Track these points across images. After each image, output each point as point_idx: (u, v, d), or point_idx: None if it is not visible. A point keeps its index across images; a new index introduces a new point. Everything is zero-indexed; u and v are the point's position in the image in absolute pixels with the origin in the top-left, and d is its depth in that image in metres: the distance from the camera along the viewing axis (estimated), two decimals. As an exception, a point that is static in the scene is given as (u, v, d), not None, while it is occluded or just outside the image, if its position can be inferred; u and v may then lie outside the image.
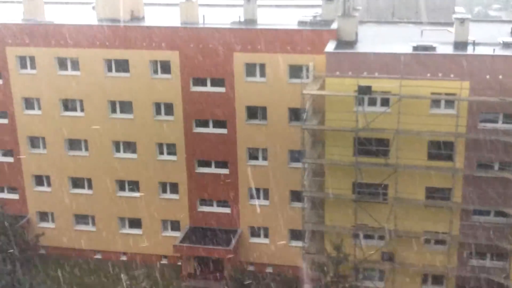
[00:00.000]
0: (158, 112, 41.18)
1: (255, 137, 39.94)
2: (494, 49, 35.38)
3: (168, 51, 39.29)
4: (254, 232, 42.70)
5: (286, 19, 41.11)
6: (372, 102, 35.74)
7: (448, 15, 43.05)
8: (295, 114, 38.32)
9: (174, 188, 42.76)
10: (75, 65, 41.22)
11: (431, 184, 36.46)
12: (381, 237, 38.18)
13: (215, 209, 42.74)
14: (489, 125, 34.73)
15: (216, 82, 39.64)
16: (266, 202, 41.56)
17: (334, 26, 38.11)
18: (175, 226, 43.66)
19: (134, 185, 43.16)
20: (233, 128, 40.08)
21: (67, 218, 44.74)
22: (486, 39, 37.34)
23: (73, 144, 43.26)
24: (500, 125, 34.66)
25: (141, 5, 43.72)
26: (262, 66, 38.41)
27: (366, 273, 38.88)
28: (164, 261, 44.37)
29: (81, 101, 41.90)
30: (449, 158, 35.62)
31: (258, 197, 41.78)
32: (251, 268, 42.81)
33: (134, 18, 42.63)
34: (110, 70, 40.87)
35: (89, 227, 44.90)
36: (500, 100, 33.35)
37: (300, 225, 38.62)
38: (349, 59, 35.19)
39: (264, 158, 40.52)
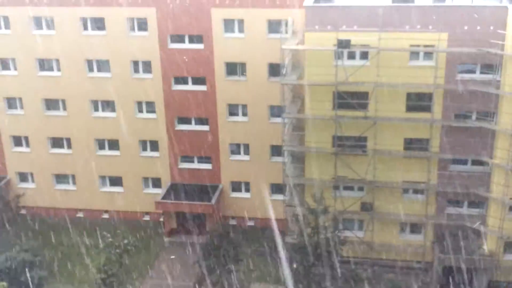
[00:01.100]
0: (136, 70, 40.82)
1: (234, 93, 39.92)
2: (472, 0, 35.57)
3: (144, 8, 38.69)
4: (235, 187, 43.13)
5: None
6: (351, 56, 35.83)
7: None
8: (274, 70, 38.28)
9: (155, 145, 42.76)
10: (50, 24, 40.40)
11: (410, 135, 37.01)
12: (361, 188, 38.88)
13: (196, 165, 42.97)
14: (467, 76, 35.16)
15: (194, 39, 39.28)
16: (246, 158, 41.88)
17: (313, -21, 37.80)
18: (157, 183, 43.87)
19: (113, 143, 43.07)
20: (212, 85, 39.98)
21: (47, 178, 44.60)
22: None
23: (51, 104, 42.79)
24: (477, 76, 35.06)
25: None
26: (241, 22, 38.12)
27: (346, 223, 39.69)
28: (146, 218, 44.71)
29: (57, 60, 41.25)
30: (427, 109, 36.06)
31: (239, 153, 42.06)
32: (233, 222, 43.41)
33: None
34: (86, 28, 40.18)
35: (70, 186, 44.88)
36: (478, 51, 33.69)
37: (281, 179, 39.08)
38: (328, 13, 35.04)
39: (244, 114, 40.62)
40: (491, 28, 33.38)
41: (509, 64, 33.66)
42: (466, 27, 33.73)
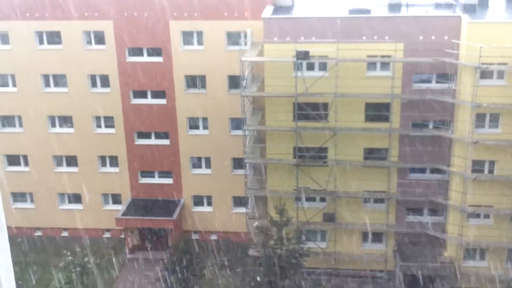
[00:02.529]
0: (93, 84, 40.28)
1: (195, 106, 39.71)
2: (427, 10, 36.31)
3: (101, 21, 38.30)
4: (197, 201, 42.80)
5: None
6: (311, 67, 36.09)
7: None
8: (234, 82, 38.29)
9: (114, 161, 42.16)
10: (5, 38, 39.65)
11: (369, 145, 37.40)
12: (323, 199, 39.03)
13: (157, 180, 42.49)
14: (424, 85, 35.79)
15: (153, 52, 39.02)
16: (208, 171, 41.62)
17: (271, -9, 38.10)
18: (117, 199, 43.20)
19: (72, 160, 42.33)
20: (172, 98, 39.70)
21: (4, 196, 43.43)
22: (419, 0, 38.16)
23: (7, 120, 41.86)
24: (433, 85, 35.74)
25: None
26: (200, 34, 38.05)
27: (309, 234, 39.73)
28: (107, 235, 43.94)
29: (12, 75, 40.44)
30: (386, 119, 36.53)
31: (200, 166, 41.79)
32: (195, 236, 43.00)
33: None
34: (41, 42, 39.55)
35: (27, 205, 43.82)
36: (433, 60, 34.36)
37: (243, 191, 38.94)
38: (286, 25, 35.30)
39: (205, 127, 40.41)
40: (446, 37, 34.11)
41: (464, 73, 34.41)
42: (421, 37, 34.39)
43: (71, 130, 41.42)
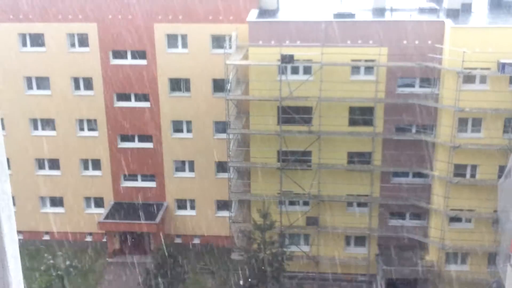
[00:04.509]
0: (77, 87, 39.98)
1: (179, 109, 39.58)
2: (410, 15, 36.62)
3: (85, 24, 38.07)
4: (181, 205, 42.62)
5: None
6: (295, 71, 36.21)
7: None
8: (219, 85, 38.23)
9: (97, 164, 41.85)
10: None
11: (353, 149, 37.56)
12: (306, 203, 39.06)
13: (139, 183, 42.23)
14: (407, 90, 36.05)
15: (137, 55, 38.86)
16: (191, 174, 41.47)
17: (256, -6, 38.14)
18: (99, 202, 42.87)
19: (54, 163, 41.95)
20: (156, 101, 39.52)
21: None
22: (403, 5, 38.47)
23: (-13, 123, 41.37)
24: (417, 89, 36.01)
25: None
26: (184, 37, 37.96)
27: (292, 238, 39.75)
28: (88, 239, 43.56)
29: (-6, 77, 40.10)
30: (369, 123, 36.72)
31: (184, 170, 41.63)
32: (178, 240, 42.81)
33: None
34: (24, 44, 39.19)
35: (8, 209, 43.23)
36: (417, 65, 34.62)
37: (227, 195, 38.86)
38: (271, 28, 35.40)
39: (189, 131, 40.27)
40: (429, 42, 34.40)
41: (447, 78, 34.70)
42: (405, 42, 34.64)
43: (53, 133, 41.06)
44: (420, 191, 37.82)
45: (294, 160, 37.66)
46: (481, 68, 33.85)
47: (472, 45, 33.20)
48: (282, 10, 38.65)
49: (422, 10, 37.30)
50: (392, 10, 37.46)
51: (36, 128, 41.26)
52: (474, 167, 36.55)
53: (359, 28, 35.05)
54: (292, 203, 39.24)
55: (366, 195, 38.02)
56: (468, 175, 36.76)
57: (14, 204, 42.20)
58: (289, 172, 37.63)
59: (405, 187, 37.88)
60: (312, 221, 38.65)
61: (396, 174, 38.14)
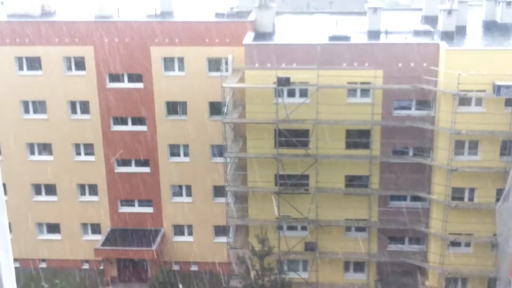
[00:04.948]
0: (73, 111, 40.03)
1: (176, 133, 39.48)
2: (405, 37, 36.77)
3: (82, 47, 38.28)
4: (178, 231, 42.19)
5: (203, 11, 41.04)
6: (291, 94, 36.23)
7: (361, 5, 44.38)
8: (215, 108, 38.22)
9: (93, 189, 41.63)
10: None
11: (350, 172, 37.34)
12: (304, 228, 38.68)
13: (136, 209, 41.90)
14: (403, 112, 35.97)
15: (133, 78, 38.96)
16: (189, 199, 41.17)
17: (252, 17, 38.39)
18: (96, 229, 42.48)
19: (50, 188, 41.78)
20: (153, 125, 39.48)
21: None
22: (398, 27, 38.70)
23: (-16, 147, 41.40)
24: (413, 112, 35.95)
25: (52, -1, 42.55)
26: (181, 60, 38.08)
27: (291, 264, 39.24)
28: (85, 266, 43.08)
29: (-9, 101, 40.21)
30: (366, 146, 36.56)
31: (181, 195, 41.37)
32: (176, 267, 42.30)
33: (45, 13, 41.31)
34: (21, 68, 39.42)
35: (4, 235, 42.92)
36: (412, 87, 34.62)
37: (225, 220, 38.49)
38: (268, 51, 35.53)
39: (186, 154, 40.12)
40: (425, 64, 34.46)
41: (442, 100, 34.65)
42: (400, 64, 34.71)
43: (50, 157, 40.97)
44: (418, 215, 37.46)
45: (292, 184, 37.41)
46: (477, 90, 33.86)
47: (467, 67, 33.25)
48: (278, 33, 38.87)
49: (416, 33, 37.46)
50: (387, 32, 37.64)
51: (32, 152, 41.18)
52: (472, 190, 36.27)
53: (354, 50, 35.18)
54: (290, 228, 38.90)
55: (365, 219, 37.64)
56: (466, 198, 36.46)
57: (10, 230, 42.00)
58: (287, 196, 37.36)
59: (404, 211, 37.55)
60: (310, 247, 38.20)
61: (394, 198, 37.83)
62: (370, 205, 37.37)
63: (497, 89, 33.05)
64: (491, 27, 39.14)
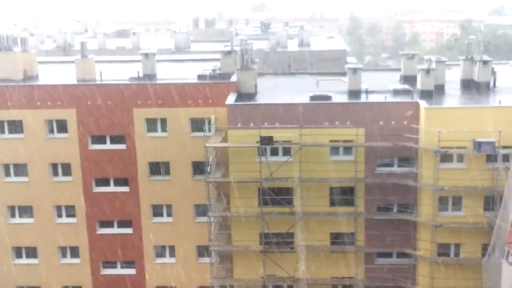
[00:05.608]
0: (55, 173, 39.65)
1: (158, 193, 39.22)
2: (385, 96, 37.33)
3: (64, 110, 38.23)
4: (162, 294, 41.45)
5: (186, 73, 41.40)
6: (274, 152, 36.36)
7: (341, 65, 45.14)
8: (199, 168, 38.15)
9: (75, 252, 40.92)
10: (-35, 127, 39.28)
11: (335, 229, 37.22)
12: (290, 287, 38.22)
13: (119, 271, 41.18)
14: (386, 169, 36.22)
15: (116, 139, 38.86)
16: (172, 260, 40.59)
17: (234, 78, 38.82)
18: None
19: (31, 251, 40.98)
20: (135, 185, 39.18)
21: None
22: (377, 87, 39.30)
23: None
24: (395, 169, 36.20)
25: (35, 64, 42.56)
26: (164, 121, 38.17)
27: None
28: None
29: (-28, 165, 39.76)
30: (350, 203, 36.60)
31: (164, 255, 40.79)
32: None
33: (27, 77, 41.41)
34: (2, 131, 39.13)
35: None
36: (394, 145, 34.96)
37: (209, 281, 37.91)
38: (250, 111, 35.81)
39: (169, 214, 39.75)
40: (405, 122, 34.92)
41: (424, 157, 34.99)
42: (381, 122, 35.12)
43: (31, 220, 40.35)
44: (405, 271, 37.32)
45: (277, 242, 37.17)
46: (458, 147, 34.25)
47: (447, 125, 33.76)
48: (260, 93, 39.25)
49: (396, 92, 38.09)
50: (367, 92, 38.22)
51: (13, 215, 40.56)
52: (457, 246, 36.37)
53: (336, 110, 35.60)
54: (276, 287, 38.35)
55: (351, 277, 37.34)
56: (452, 254, 36.48)
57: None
58: (272, 255, 37.04)
59: (390, 267, 37.37)
60: (296, 306, 37.70)
61: (380, 255, 37.69)
62: (356, 262, 37.14)
63: (478, 145, 33.52)
64: (469, 86, 39.94)
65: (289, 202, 36.65)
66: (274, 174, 35.65)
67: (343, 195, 36.59)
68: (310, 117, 35.24)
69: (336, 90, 38.92)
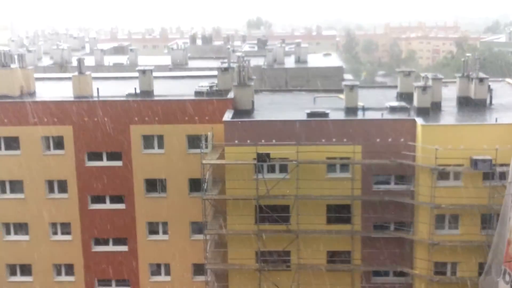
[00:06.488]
0: (51, 190, 39.48)
1: (155, 210, 39.03)
2: (382, 114, 37.37)
3: (60, 126, 38.17)
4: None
5: (183, 90, 41.44)
6: (271, 169, 36.28)
7: (338, 83, 45.23)
8: (195, 185, 38.00)
9: (70, 269, 40.60)
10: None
11: (332, 247, 37.06)
12: (287, 306, 37.98)
13: (114, 289, 40.95)
14: (383, 187, 36.14)
15: (112, 156, 38.74)
16: (167, 278, 40.30)
17: (231, 95, 38.88)
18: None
19: (26, 268, 40.64)
20: (131, 202, 39.01)
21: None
22: (374, 104, 39.40)
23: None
24: (392, 186, 36.14)
25: (32, 80, 42.60)
26: (160, 138, 38.11)
27: None
28: None
29: (-32, 181, 39.56)
30: (347, 220, 36.46)
31: (160, 274, 40.50)
32: None
33: (25, 93, 41.39)
34: (-1, 148, 39.10)
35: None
36: (391, 162, 34.93)
37: (205, 300, 37.72)
38: (247, 128, 35.79)
39: (165, 232, 39.55)
40: (402, 140, 34.93)
41: (421, 175, 34.93)
42: (378, 140, 35.11)
43: (26, 237, 40.08)
44: (401, 290, 37.10)
45: (273, 260, 36.94)
46: (454, 165, 34.24)
47: (444, 142, 33.79)
48: (257, 110, 39.27)
49: (393, 109, 38.17)
50: (364, 109, 38.28)
51: (8, 232, 40.31)
52: (454, 264, 36.18)
53: (333, 126, 35.57)
54: (272, 306, 38.07)
55: (346, 296, 37.11)
56: (448, 273, 36.28)
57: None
58: (268, 273, 36.79)
59: (387, 286, 37.13)
60: (294, 325, 37.35)
61: (376, 273, 37.48)
62: (353, 281, 36.91)
63: (474, 163, 33.50)
64: (466, 103, 40.05)
65: (286, 220, 36.49)
66: (271, 191, 35.52)
67: (340, 212, 36.45)
68: (307, 134, 35.21)
69: (333, 107, 39.03)
